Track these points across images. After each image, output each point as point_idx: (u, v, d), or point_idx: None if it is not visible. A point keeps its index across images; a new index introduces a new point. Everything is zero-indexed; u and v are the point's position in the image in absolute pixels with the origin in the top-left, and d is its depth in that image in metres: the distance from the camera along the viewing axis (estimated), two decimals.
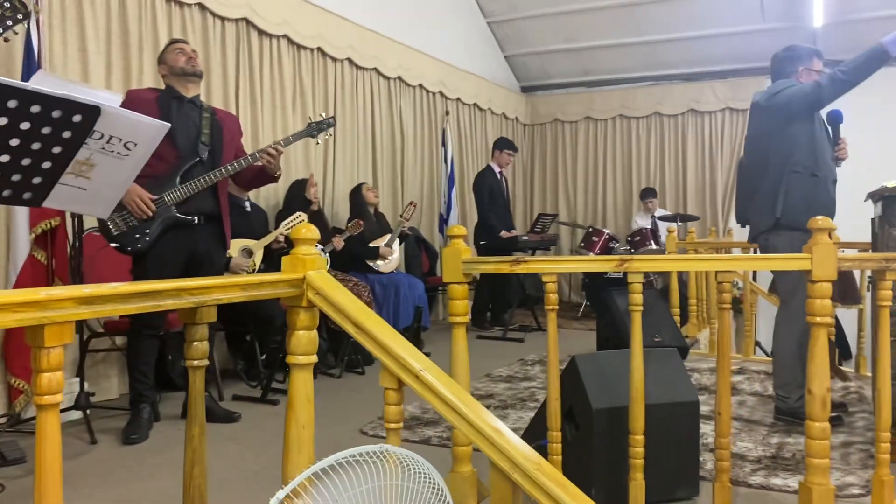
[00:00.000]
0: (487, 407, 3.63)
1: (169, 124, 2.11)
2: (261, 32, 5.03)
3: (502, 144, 6.61)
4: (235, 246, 4.08)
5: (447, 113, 7.27)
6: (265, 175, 3.35)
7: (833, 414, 3.34)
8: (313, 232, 1.65)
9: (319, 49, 5.58)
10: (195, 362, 1.64)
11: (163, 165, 3.10)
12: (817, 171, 3.26)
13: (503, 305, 6.58)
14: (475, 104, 7.96)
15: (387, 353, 1.48)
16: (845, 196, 3.50)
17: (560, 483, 1.34)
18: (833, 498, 2.16)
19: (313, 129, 3.46)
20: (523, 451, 1.40)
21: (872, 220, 3.27)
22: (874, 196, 3.04)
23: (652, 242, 7.20)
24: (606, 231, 7.40)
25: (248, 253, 4.20)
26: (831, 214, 3.29)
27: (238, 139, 3.51)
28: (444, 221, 7.17)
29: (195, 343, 1.63)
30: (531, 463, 1.36)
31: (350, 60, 5.93)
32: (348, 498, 1.13)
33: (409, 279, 5.33)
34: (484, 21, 8.38)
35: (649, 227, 7.68)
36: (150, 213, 3.07)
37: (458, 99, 7.60)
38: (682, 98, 8.53)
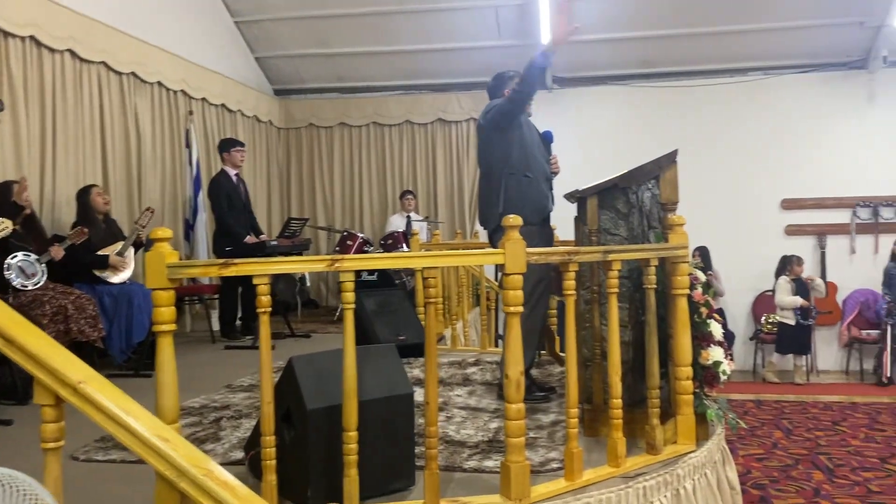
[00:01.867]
0: (220, 418, 3.52)
1: None
2: None
3: (227, 145, 6.38)
4: None
5: (191, 113, 6.92)
6: None
7: (541, 394, 3.70)
8: None
9: (33, 38, 5.03)
10: None
11: None
12: (529, 172, 3.70)
13: (253, 314, 6.37)
14: (223, 105, 7.67)
15: (41, 367, 1.35)
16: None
17: (230, 487, 1.31)
18: (528, 473, 2.35)
19: None
20: (194, 458, 1.35)
21: (575, 219, 3.64)
22: (570, 198, 3.37)
23: (404, 245, 7.42)
24: (361, 235, 7.50)
25: None
26: (546, 209, 3.77)
27: None
28: (189, 227, 6.82)
29: None
30: (200, 469, 1.31)
31: (72, 52, 5.42)
32: None
33: (144, 289, 4.98)
34: (231, 20, 8.10)
35: (403, 230, 7.92)
36: None
37: (204, 99, 7.28)
38: (431, 108, 8.91)
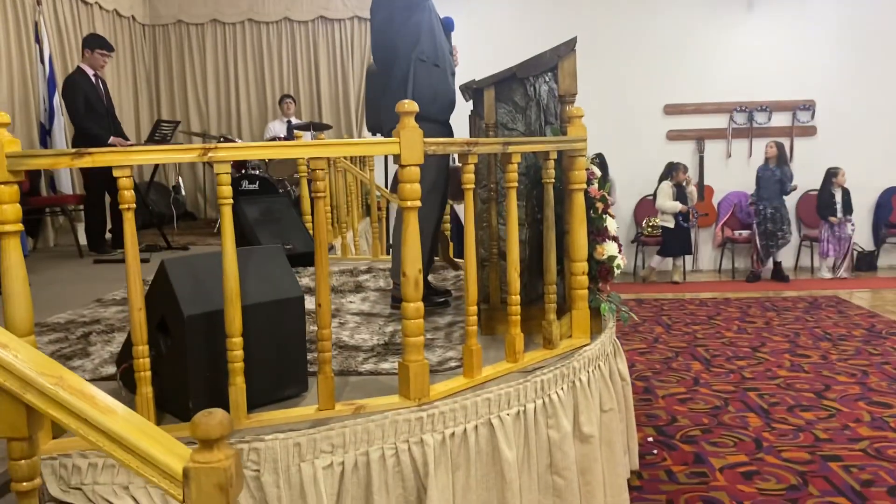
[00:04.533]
0: (89, 333, 3.22)
1: None
2: None
3: (93, 43, 5.74)
4: None
5: (39, 3, 6.15)
6: None
7: (440, 300, 3.61)
8: None
9: None
10: None
11: None
12: (438, 62, 3.35)
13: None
14: None
15: None
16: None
17: (87, 396, 1.11)
18: (427, 372, 2.26)
19: None
20: (43, 366, 1.13)
21: (469, 116, 3.47)
22: (466, 91, 3.19)
23: None
24: (239, 141, 7.06)
25: None
26: (453, 105, 3.47)
27: None
28: (46, 132, 6.17)
29: None
30: (49, 378, 1.11)
31: None
32: None
33: None
34: None
35: (284, 135, 7.52)
36: None
37: None
38: (311, 4, 8.37)
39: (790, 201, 8.43)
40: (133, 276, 2.00)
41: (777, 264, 8.28)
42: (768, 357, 5.27)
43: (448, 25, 3.54)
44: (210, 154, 1.98)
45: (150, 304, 2.15)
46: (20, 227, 1.93)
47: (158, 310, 2.19)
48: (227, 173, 2.01)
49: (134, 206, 2.00)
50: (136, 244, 2.02)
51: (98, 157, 1.94)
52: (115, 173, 1.95)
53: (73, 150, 1.92)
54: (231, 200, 2.04)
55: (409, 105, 2.16)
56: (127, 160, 1.96)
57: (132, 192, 1.99)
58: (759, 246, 8.19)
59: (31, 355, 1.14)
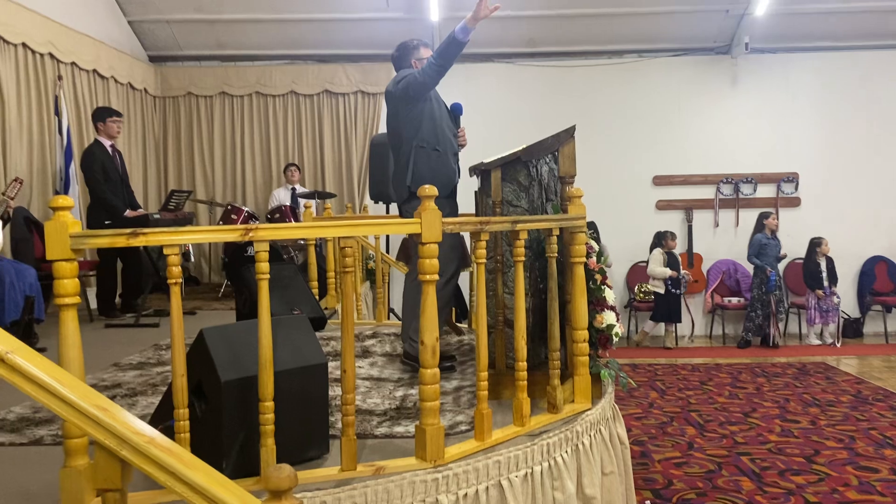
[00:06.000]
0: (113, 397, 3.38)
1: None
2: None
3: (103, 114, 6.01)
4: None
5: (60, 78, 6.47)
6: None
7: (447, 364, 3.79)
8: None
9: None
10: None
11: None
12: (438, 146, 3.71)
13: (134, 290, 6.11)
14: (95, 70, 7.20)
15: None
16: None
17: (175, 453, 1.29)
18: (443, 435, 2.43)
19: None
20: (135, 427, 1.32)
21: (475, 192, 3.74)
22: (474, 170, 3.46)
23: (292, 219, 7.30)
24: (246, 209, 7.31)
25: None
26: (453, 183, 3.80)
27: None
28: None
29: None
30: (142, 437, 1.29)
31: None
32: None
33: (17, 266, 4.66)
34: None
35: (288, 203, 7.78)
36: None
37: (74, 63, 6.80)
38: (317, 79, 8.74)
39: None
40: (178, 344, 2.18)
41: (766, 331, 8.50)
42: (759, 422, 5.43)
43: (456, 110, 3.89)
44: (251, 234, 2.20)
45: (188, 369, 2.33)
46: (78, 299, 2.13)
47: (195, 375, 2.36)
48: (265, 251, 2.22)
49: (181, 280, 2.20)
50: (180, 315, 2.21)
51: (151, 238, 2.15)
52: (165, 251, 2.15)
53: (129, 231, 2.13)
54: (268, 276, 2.26)
55: (430, 189, 2.40)
56: (177, 240, 2.17)
57: (180, 268, 2.19)
58: (769, 313, 8.34)
59: (126, 417, 1.32)
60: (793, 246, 8.70)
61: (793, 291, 9.02)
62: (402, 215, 3.81)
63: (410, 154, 3.66)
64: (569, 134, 3.23)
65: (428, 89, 3.65)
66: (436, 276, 2.39)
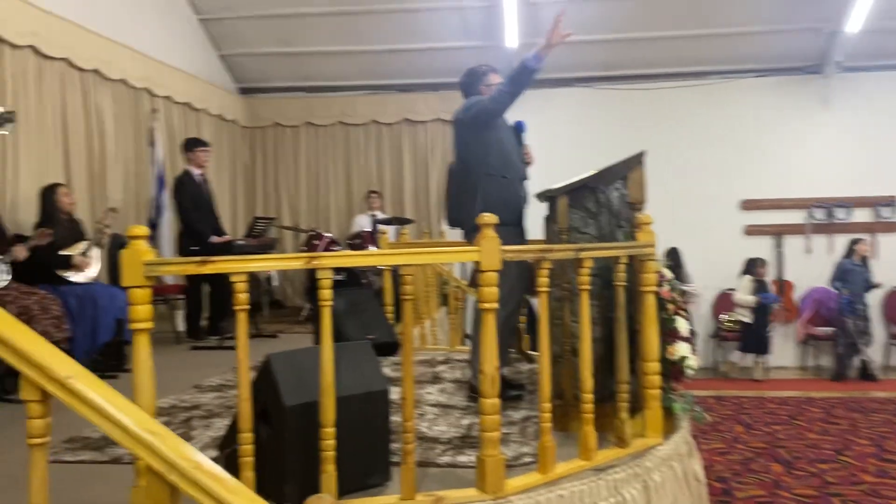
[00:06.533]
0: (190, 418, 3.50)
1: None
2: None
3: (192, 144, 6.33)
4: None
5: (155, 111, 6.84)
6: None
7: (514, 393, 3.74)
8: None
9: None
10: None
11: None
12: (506, 174, 3.70)
13: (220, 314, 6.34)
14: (188, 104, 7.59)
15: (27, 362, 1.35)
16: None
17: (219, 479, 1.32)
18: (503, 467, 2.40)
19: None
20: (183, 452, 1.36)
21: (544, 218, 3.70)
22: (541, 197, 3.43)
23: (371, 245, 7.43)
24: (328, 235, 7.49)
25: None
26: (522, 210, 3.79)
27: None
28: (153, 227, 6.72)
29: None
30: (189, 463, 1.33)
31: (34, 48, 5.32)
32: None
33: (109, 290, 4.91)
34: (195, 17, 8.02)
35: (369, 229, 7.92)
36: None
37: (168, 97, 7.19)
38: (397, 108, 8.93)
39: (874, 298, 8.24)
40: (243, 369, 2.24)
41: (864, 363, 8.02)
42: (853, 461, 5.11)
43: (520, 128, 3.86)
44: (314, 262, 2.25)
45: (254, 393, 2.39)
46: (151, 324, 2.22)
47: (261, 399, 2.42)
48: (328, 279, 2.27)
49: (248, 307, 2.27)
50: (246, 341, 2.28)
51: (220, 265, 2.23)
52: (233, 279, 2.23)
53: (199, 259, 2.22)
54: (331, 302, 2.30)
55: (489, 217, 2.40)
56: (244, 268, 2.24)
57: (247, 294, 2.25)
58: (847, 344, 7.93)
59: (175, 442, 1.37)
60: (893, 273, 8.21)
61: (893, 322, 8.49)
62: (470, 243, 3.79)
63: (479, 182, 3.64)
64: (637, 160, 3.17)
65: (498, 116, 3.65)
66: (495, 305, 2.38)
